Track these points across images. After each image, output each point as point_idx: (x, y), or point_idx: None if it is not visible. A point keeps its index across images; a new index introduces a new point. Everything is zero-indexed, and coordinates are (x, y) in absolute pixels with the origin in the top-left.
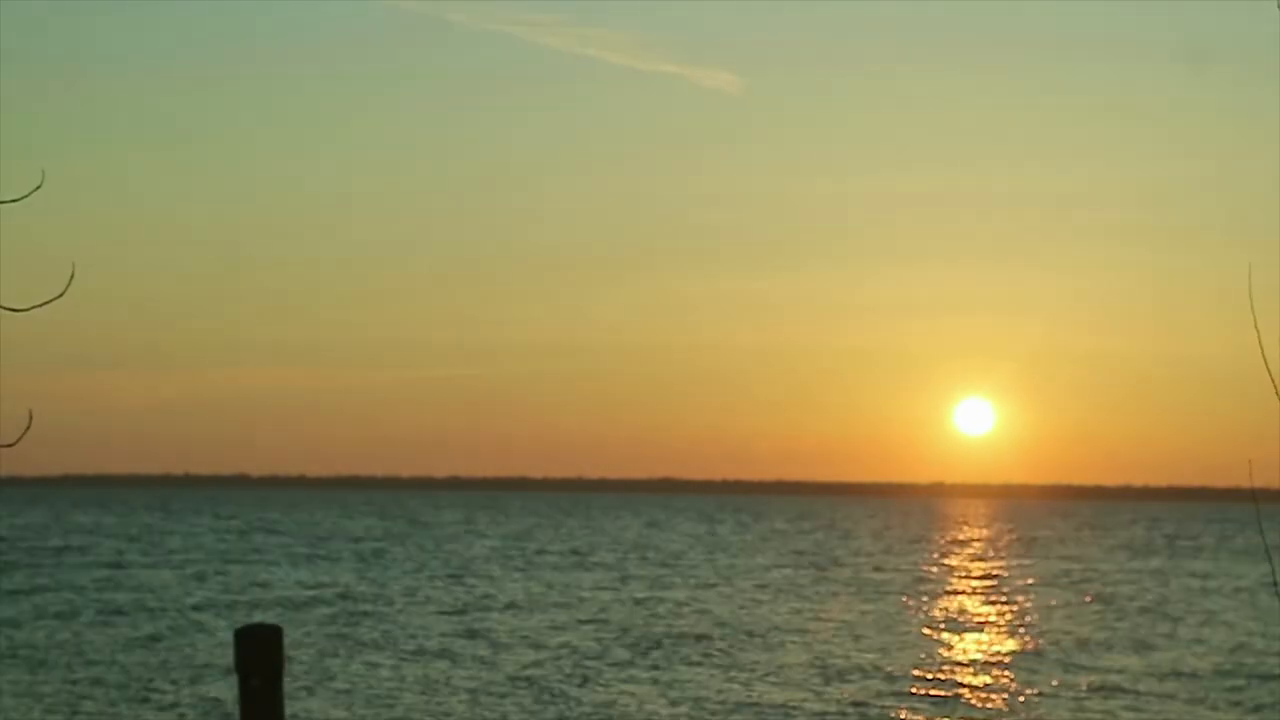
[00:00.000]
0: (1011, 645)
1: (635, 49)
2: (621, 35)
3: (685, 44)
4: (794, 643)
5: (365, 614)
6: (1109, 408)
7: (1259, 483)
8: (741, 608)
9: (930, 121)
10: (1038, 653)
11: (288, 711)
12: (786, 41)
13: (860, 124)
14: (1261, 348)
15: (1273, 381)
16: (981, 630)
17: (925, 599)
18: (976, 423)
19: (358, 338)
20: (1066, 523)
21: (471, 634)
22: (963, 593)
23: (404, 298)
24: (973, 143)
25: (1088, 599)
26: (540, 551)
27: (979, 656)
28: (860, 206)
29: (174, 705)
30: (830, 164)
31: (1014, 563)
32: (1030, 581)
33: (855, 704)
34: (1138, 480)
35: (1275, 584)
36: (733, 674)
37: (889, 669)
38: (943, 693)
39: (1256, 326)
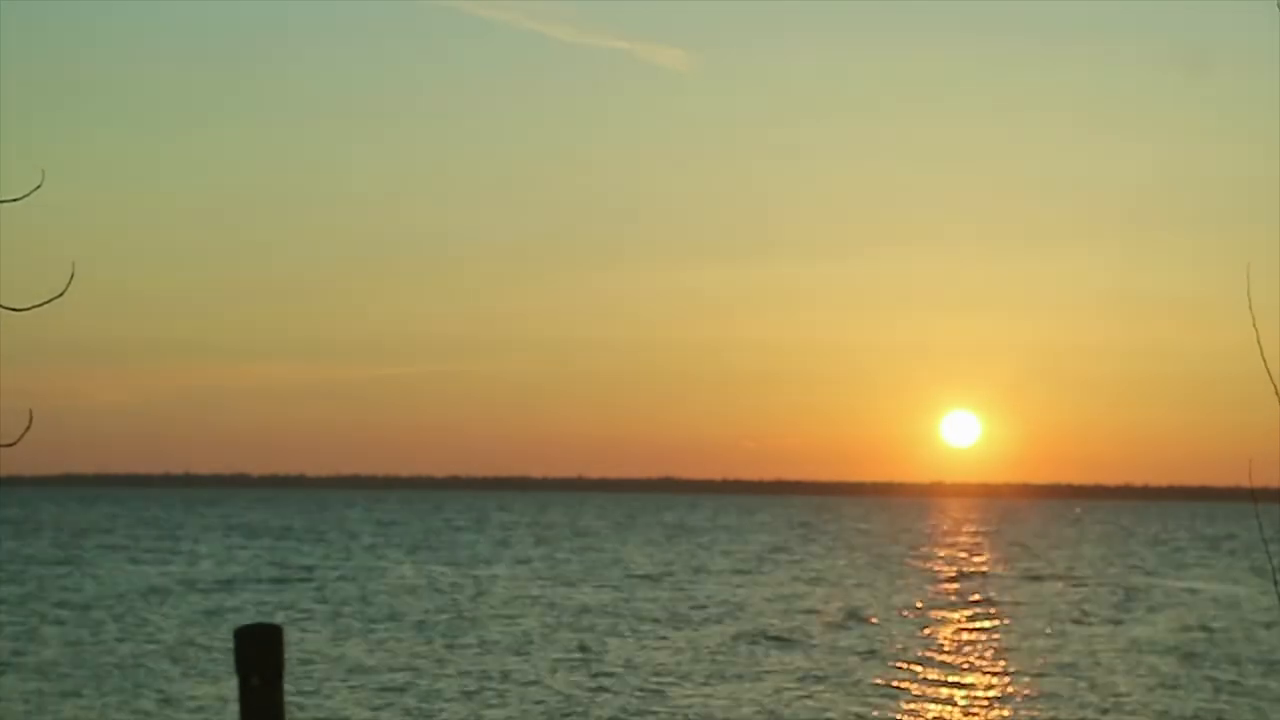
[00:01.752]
0: None
1: (581, 24)
2: (567, 8)
3: (632, 19)
4: None
5: None
6: (1108, 406)
7: (1259, 482)
8: None
9: (897, 105)
10: None
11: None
12: (737, 16)
13: (818, 103)
14: (1260, 347)
15: (1272, 381)
16: None
17: None
18: (977, 421)
19: (357, 334)
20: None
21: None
22: None
23: (404, 292)
24: (948, 130)
25: None
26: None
27: None
28: (826, 194)
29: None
30: (786, 146)
31: None
32: None
33: None
34: (1138, 480)
35: (1275, 583)
36: None
37: None
38: None
39: (1255, 325)
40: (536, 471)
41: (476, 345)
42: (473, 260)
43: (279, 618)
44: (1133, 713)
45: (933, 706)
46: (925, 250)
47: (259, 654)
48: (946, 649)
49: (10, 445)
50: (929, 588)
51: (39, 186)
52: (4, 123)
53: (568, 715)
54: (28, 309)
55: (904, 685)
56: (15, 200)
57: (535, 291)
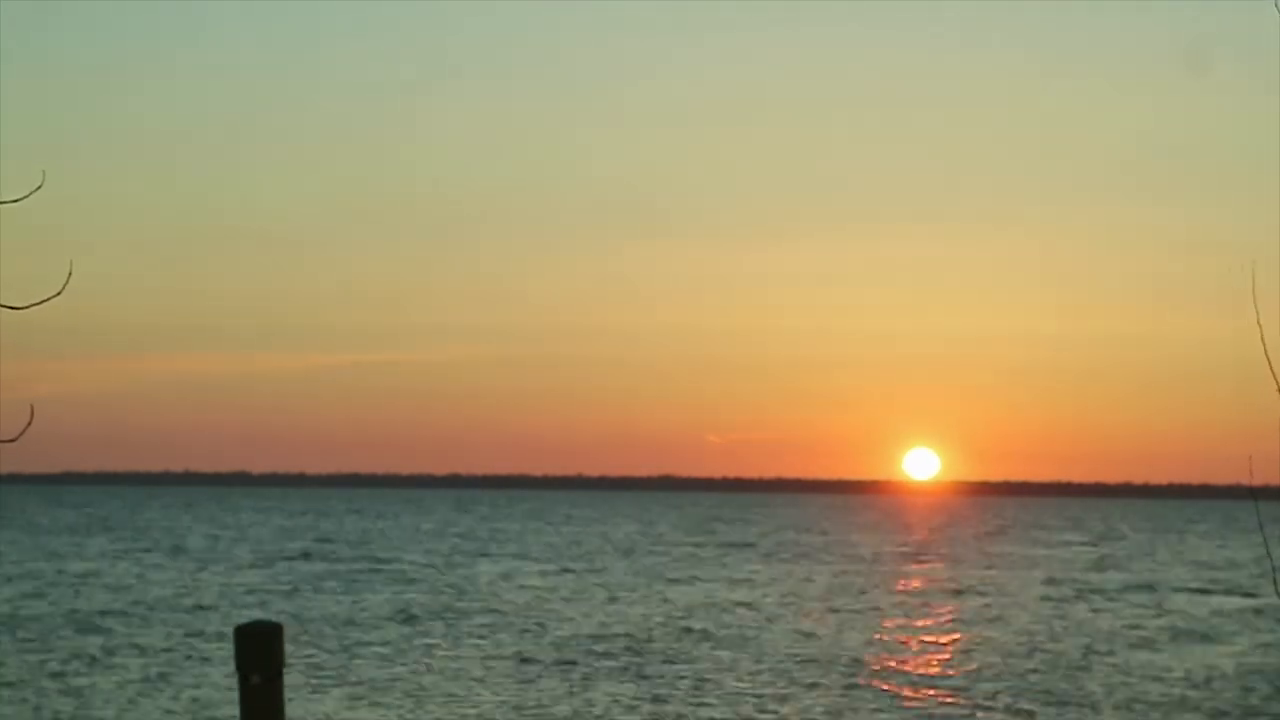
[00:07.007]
0: None
1: None
2: None
3: None
4: None
5: None
6: (1107, 404)
7: (1259, 480)
8: None
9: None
10: None
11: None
12: None
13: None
14: (1264, 344)
15: (1275, 377)
16: None
17: None
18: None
19: (353, 328)
20: None
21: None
22: None
23: (402, 283)
24: (914, 103)
25: None
26: None
27: None
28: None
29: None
30: (751, 125)
31: None
32: None
33: None
34: (1138, 478)
35: (1275, 584)
36: None
37: None
38: None
39: (1259, 323)
40: (536, 469)
41: (476, 336)
42: (472, 245)
43: None
44: None
45: None
46: (896, 227)
47: (259, 652)
48: None
49: (11, 440)
50: None
51: (39, 187)
52: (4, 123)
53: None
54: (27, 307)
55: None
56: (15, 201)
57: (532, 277)
